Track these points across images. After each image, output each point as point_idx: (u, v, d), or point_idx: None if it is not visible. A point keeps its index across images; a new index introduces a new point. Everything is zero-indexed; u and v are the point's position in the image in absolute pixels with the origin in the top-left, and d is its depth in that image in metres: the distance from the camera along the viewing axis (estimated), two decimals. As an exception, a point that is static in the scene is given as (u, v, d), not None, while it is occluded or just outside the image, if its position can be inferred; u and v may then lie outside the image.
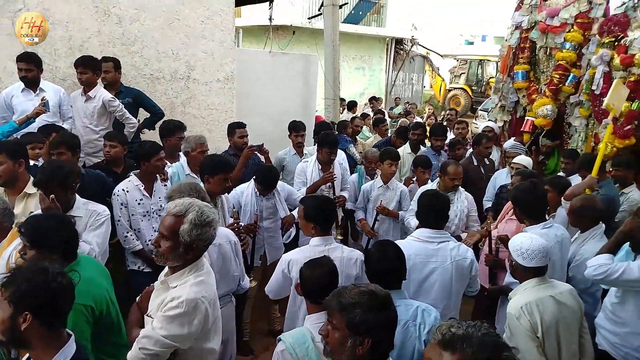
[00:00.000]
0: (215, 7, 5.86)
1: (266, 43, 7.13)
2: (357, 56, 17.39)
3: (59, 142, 3.53)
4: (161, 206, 3.66)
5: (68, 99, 4.63)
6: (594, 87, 4.98)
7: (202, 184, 3.34)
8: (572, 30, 5.35)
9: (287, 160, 5.20)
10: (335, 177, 4.53)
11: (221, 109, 6.04)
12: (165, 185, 3.79)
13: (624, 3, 5.06)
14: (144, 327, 2.14)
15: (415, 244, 2.82)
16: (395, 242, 2.66)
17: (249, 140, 4.81)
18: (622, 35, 4.84)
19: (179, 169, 4.11)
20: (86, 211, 3.00)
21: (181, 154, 4.32)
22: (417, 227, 3.04)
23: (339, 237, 4.37)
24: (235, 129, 4.73)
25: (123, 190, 3.51)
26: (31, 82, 4.33)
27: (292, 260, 2.77)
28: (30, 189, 3.10)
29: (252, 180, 4.03)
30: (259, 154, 4.76)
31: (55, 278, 1.67)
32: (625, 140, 4.63)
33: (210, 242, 2.25)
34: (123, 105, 4.66)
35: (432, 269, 2.76)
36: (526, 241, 2.56)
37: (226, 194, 3.70)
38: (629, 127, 4.62)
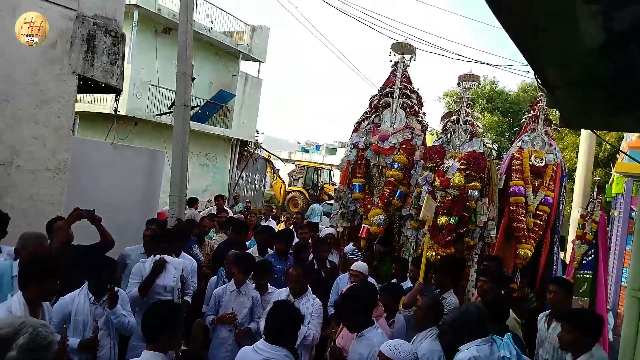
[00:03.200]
0: (53, 92, 5.43)
1: (108, 134, 6.74)
2: (202, 153, 17.46)
3: None
4: None
5: None
6: (421, 203, 5.77)
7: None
8: (399, 153, 6.26)
9: (131, 258, 4.79)
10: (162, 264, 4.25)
11: (47, 200, 5.35)
12: None
13: (440, 137, 6.19)
14: None
15: (251, 355, 2.87)
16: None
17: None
18: (440, 162, 5.83)
19: (5, 270, 3.43)
20: None
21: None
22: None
23: (183, 347, 4.02)
24: (53, 223, 4.29)
25: None
26: None
27: None
28: None
29: (84, 286, 3.54)
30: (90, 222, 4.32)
31: None
32: (447, 250, 5.37)
33: None
34: None
35: None
36: (403, 345, 2.79)
37: (48, 302, 3.15)
38: (449, 238, 5.40)
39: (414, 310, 3.78)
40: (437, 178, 5.73)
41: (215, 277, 5.13)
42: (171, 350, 2.68)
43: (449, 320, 4.46)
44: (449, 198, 5.55)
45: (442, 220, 5.48)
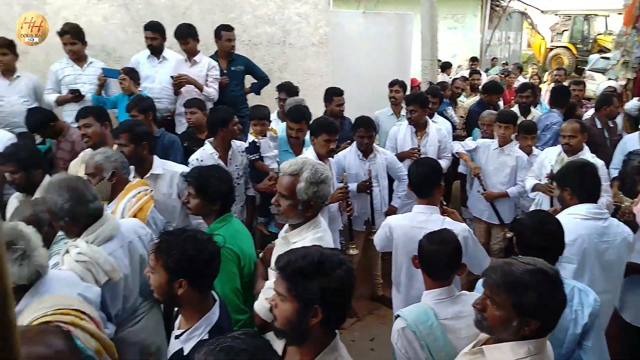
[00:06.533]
0: (307, -32, 5.73)
1: (360, 4, 6.89)
2: (449, 15, 16.42)
3: (132, 106, 3.70)
4: (238, 174, 3.58)
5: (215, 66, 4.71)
6: None
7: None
8: None
9: (381, 120, 5.10)
10: (418, 153, 4.27)
11: (317, 74, 5.97)
12: (242, 153, 3.68)
13: None
14: (267, 280, 2.20)
15: (586, 222, 2.50)
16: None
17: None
18: None
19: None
20: (164, 170, 3.11)
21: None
22: (572, 203, 2.64)
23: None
24: (333, 96, 4.62)
25: (197, 159, 3.38)
26: (156, 50, 4.55)
27: (393, 226, 2.79)
28: (156, 169, 3.10)
29: (353, 144, 3.97)
30: None
31: (204, 246, 1.74)
32: None
33: (326, 199, 2.24)
34: (234, 73, 4.85)
35: (604, 248, 2.49)
36: None
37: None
38: None
39: None
40: None
41: (470, 138, 5.05)
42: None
43: None
44: None
45: None
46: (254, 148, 3.71)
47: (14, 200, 2.91)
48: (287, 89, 4.66)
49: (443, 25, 16.14)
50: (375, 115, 5.29)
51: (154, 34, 4.49)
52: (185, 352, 1.73)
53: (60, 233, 2.38)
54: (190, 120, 4.06)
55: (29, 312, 1.72)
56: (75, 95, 4.27)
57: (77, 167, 3.19)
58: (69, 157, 3.50)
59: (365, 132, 3.85)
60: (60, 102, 4.31)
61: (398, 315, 2.09)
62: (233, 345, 1.21)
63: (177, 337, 1.78)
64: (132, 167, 2.95)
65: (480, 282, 2.11)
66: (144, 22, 4.63)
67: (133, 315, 2.31)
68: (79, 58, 4.41)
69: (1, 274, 0.67)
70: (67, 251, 2.10)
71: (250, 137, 3.77)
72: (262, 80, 5.20)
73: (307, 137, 3.76)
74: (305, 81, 5.83)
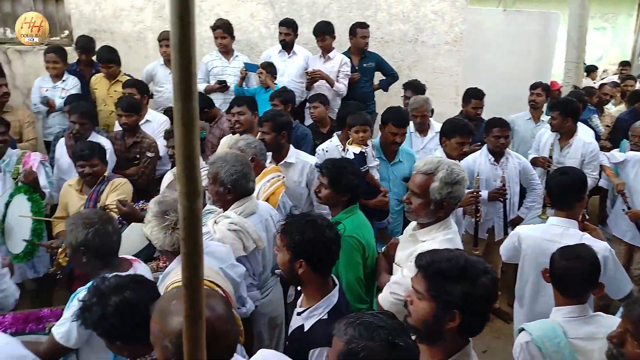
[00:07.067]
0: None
1: (500, 2, 6.56)
2: (598, 15, 14.82)
3: (275, 96, 3.96)
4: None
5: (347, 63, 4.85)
6: None
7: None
8: None
9: (517, 124, 4.85)
10: (550, 165, 3.98)
11: (447, 72, 5.82)
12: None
13: None
14: (392, 274, 2.23)
15: None
16: None
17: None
18: None
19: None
20: (297, 160, 3.28)
21: None
22: None
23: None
24: (472, 98, 4.49)
25: (323, 150, 3.56)
26: (287, 45, 4.82)
27: (523, 236, 2.65)
28: (290, 158, 3.30)
29: (484, 148, 3.83)
30: None
31: (323, 231, 1.83)
32: None
33: (459, 201, 2.19)
34: (365, 69, 4.95)
35: None
36: None
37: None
38: None
39: None
40: None
41: (617, 150, 4.57)
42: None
43: None
44: None
45: None
46: (362, 159, 3.30)
47: (170, 174, 3.31)
48: (414, 87, 4.64)
49: (590, 25, 14.64)
50: (512, 119, 5.01)
51: (288, 29, 4.76)
52: (306, 329, 1.83)
53: (207, 207, 2.67)
54: (313, 114, 4.24)
55: (172, 275, 1.98)
56: (222, 86, 4.70)
57: (222, 150, 3.52)
58: (217, 142, 3.87)
59: (501, 131, 3.70)
60: (208, 91, 4.76)
61: (522, 329, 2.01)
62: (372, 321, 1.27)
63: (299, 313, 1.90)
64: (268, 153, 3.19)
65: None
66: (286, 19, 4.94)
67: (264, 287, 2.52)
68: (227, 51, 4.84)
69: (196, 230, 0.70)
70: (216, 222, 2.35)
71: (353, 148, 3.33)
72: (391, 77, 5.23)
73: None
74: (434, 80, 5.72)
